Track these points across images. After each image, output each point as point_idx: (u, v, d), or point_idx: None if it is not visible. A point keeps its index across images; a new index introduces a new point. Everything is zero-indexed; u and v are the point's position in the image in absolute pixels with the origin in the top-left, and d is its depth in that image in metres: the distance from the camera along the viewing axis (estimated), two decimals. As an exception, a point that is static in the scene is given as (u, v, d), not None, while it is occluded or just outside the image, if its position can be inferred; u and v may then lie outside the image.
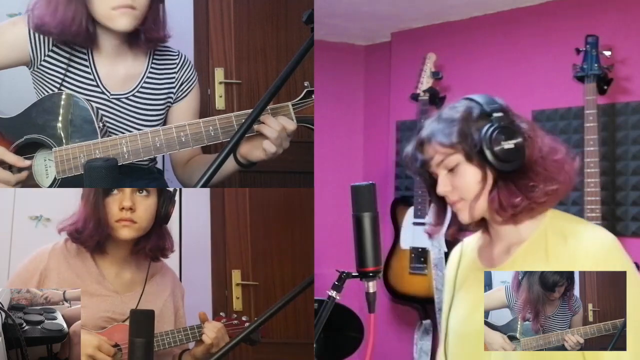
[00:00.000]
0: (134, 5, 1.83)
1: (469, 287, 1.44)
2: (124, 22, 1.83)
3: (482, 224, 1.43)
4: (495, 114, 1.31)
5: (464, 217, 1.37)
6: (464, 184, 1.33)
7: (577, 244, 1.29)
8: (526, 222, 1.35)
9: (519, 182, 1.30)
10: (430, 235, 1.47)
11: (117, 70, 1.98)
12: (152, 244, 1.91)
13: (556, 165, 1.32)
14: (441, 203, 1.42)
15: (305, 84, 1.82)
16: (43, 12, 1.85)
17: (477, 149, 1.30)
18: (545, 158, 1.32)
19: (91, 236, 1.85)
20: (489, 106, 1.33)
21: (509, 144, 1.29)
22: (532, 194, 1.30)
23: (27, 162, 1.85)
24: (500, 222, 1.36)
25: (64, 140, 1.82)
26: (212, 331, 1.90)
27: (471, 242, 1.52)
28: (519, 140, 1.29)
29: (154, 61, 2.03)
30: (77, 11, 1.83)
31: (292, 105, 1.82)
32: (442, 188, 1.35)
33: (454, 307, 1.47)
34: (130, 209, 1.83)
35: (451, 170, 1.34)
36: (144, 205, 1.86)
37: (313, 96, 1.83)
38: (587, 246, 1.28)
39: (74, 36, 1.86)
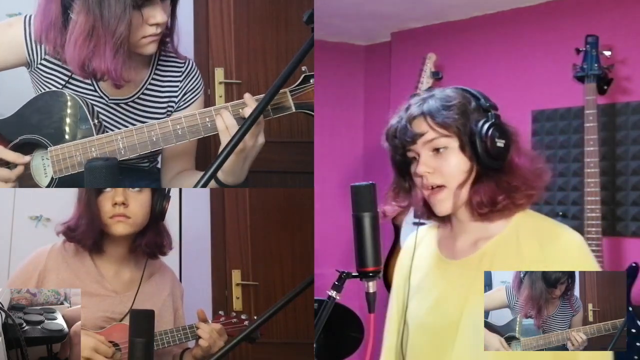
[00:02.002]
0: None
1: (434, 278, 1.43)
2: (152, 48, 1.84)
3: (445, 216, 1.41)
4: (493, 111, 1.33)
5: (445, 208, 1.35)
6: (450, 169, 1.32)
7: (552, 247, 1.30)
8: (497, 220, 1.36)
9: (501, 181, 1.31)
10: (385, 214, 1.40)
11: None
12: (148, 240, 1.91)
13: (536, 173, 1.35)
14: (407, 186, 1.42)
15: (303, 69, 1.76)
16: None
17: (471, 139, 1.31)
18: (528, 163, 1.35)
19: (85, 233, 1.85)
20: (487, 102, 1.34)
21: (500, 142, 1.30)
22: (514, 194, 1.31)
23: (26, 159, 1.83)
24: (473, 218, 1.36)
25: (59, 139, 1.81)
26: (207, 333, 1.89)
27: (428, 232, 1.51)
28: (508, 140, 1.32)
29: (157, 68, 2.00)
30: None
31: (290, 91, 1.77)
32: (423, 168, 1.33)
33: (415, 299, 1.45)
34: (122, 203, 1.83)
35: (436, 151, 1.33)
36: (138, 200, 1.86)
37: (312, 80, 1.77)
38: (562, 250, 1.30)
39: None
